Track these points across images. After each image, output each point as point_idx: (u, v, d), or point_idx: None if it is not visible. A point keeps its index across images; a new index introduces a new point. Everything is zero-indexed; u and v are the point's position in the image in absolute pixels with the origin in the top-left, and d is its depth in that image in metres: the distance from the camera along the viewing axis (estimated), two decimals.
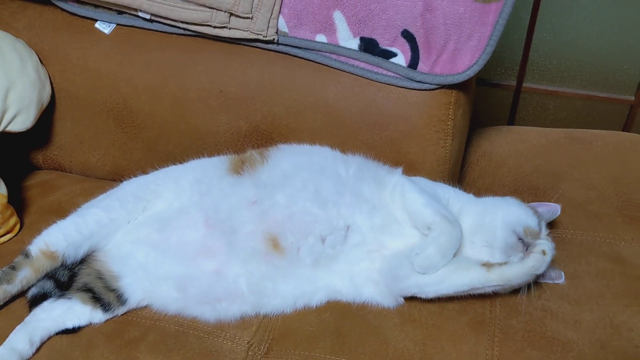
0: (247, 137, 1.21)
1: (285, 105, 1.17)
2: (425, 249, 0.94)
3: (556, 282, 1.03)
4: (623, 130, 1.73)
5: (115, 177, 1.30)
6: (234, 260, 0.99)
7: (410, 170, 1.15)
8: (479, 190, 1.24)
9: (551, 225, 1.14)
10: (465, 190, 1.26)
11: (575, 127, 1.69)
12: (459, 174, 1.33)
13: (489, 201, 1.06)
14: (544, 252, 0.93)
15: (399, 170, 1.09)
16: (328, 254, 1.00)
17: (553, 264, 1.01)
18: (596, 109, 1.73)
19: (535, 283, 1.00)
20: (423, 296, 0.99)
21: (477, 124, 1.49)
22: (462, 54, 1.08)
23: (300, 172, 1.05)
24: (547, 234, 1.01)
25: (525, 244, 0.96)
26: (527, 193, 1.23)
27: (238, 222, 1.00)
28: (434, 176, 1.16)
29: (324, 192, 1.02)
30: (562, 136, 1.37)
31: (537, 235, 0.97)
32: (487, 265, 0.94)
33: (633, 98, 1.67)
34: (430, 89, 1.11)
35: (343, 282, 1.01)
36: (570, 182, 1.24)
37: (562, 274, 1.02)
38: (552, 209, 1.08)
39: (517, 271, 0.93)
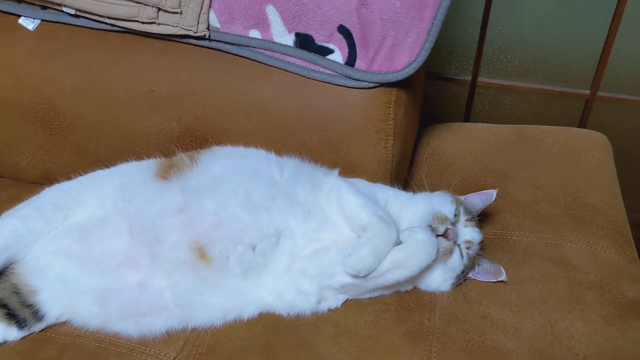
0: (180, 139, 1.15)
1: (219, 105, 1.11)
2: (359, 249, 0.90)
3: (499, 279, 0.99)
4: (579, 125, 1.71)
5: (46, 182, 1.22)
6: (158, 272, 0.94)
7: (351, 172, 1.10)
8: (425, 191, 1.19)
9: (496, 226, 1.11)
10: (413, 190, 1.23)
11: (531, 122, 1.68)
12: (408, 173, 1.29)
13: (419, 197, 1.05)
14: (437, 230, 0.94)
15: (336, 172, 1.04)
16: (259, 262, 0.95)
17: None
18: (552, 104, 1.70)
19: (480, 287, 0.96)
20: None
21: (432, 120, 1.45)
22: (400, 51, 1.03)
23: (231, 176, 0.99)
24: (469, 219, 1.00)
25: (433, 229, 0.95)
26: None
27: (163, 231, 0.94)
28: (375, 178, 1.12)
29: (255, 197, 0.97)
30: (512, 133, 1.34)
31: (446, 220, 0.96)
32: None
33: (588, 92, 1.64)
34: (369, 87, 1.06)
35: (275, 290, 0.96)
36: (517, 182, 1.20)
37: (502, 269, 0.99)
38: (486, 196, 1.06)
39: (408, 250, 0.90)
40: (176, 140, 1.15)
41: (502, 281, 0.99)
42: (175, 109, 1.13)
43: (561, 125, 1.38)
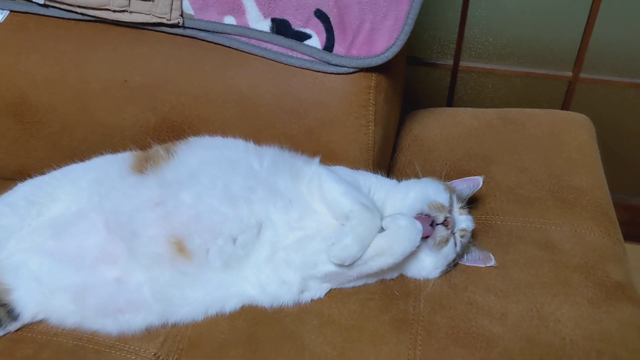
0: (156, 130, 1.12)
1: (194, 94, 1.08)
2: (343, 238, 0.88)
3: (488, 265, 0.99)
4: (562, 107, 1.70)
5: (21, 178, 1.18)
6: (136, 267, 0.91)
7: (332, 159, 1.08)
8: (409, 177, 1.17)
9: (480, 211, 1.09)
10: (396, 176, 1.21)
11: (514, 106, 1.66)
12: (391, 159, 1.27)
13: (407, 184, 1.02)
14: (429, 216, 0.93)
15: (317, 160, 1.02)
16: (240, 254, 0.93)
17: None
18: (535, 87, 1.68)
19: (465, 273, 0.96)
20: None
21: (415, 106, 1.43)
22: (379, 35, 1.01)
23: (209, 167, 0.97)
24: (462, 207, 0.99)
25: (431, 218, 0.93)
26: (457, 178, 1.18)
27: (140, 226, 0.92)
28: (357, 165, 1.10)
29: (234, 189, 0.95)
30: (494, 117, 1.33)
31: (444, 209, 0.95)
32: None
33: (571, 74, 1.63)
34: (348, 73, 1.04)
35: (258, 282, 0.94)
36: (501, 165, 1.19)
37: (491, 255, 0.98)
38: (472, 182, 1.05)
39: (391, 237, 0.89)
40: (152, 131, 1.12)
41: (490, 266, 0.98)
42: (151, 99, 1.10)
43: (544, 108, 1.37)
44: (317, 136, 1.07)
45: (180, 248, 0.90)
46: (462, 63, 1.66)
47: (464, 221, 0.97)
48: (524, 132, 1.27)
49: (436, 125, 1.32)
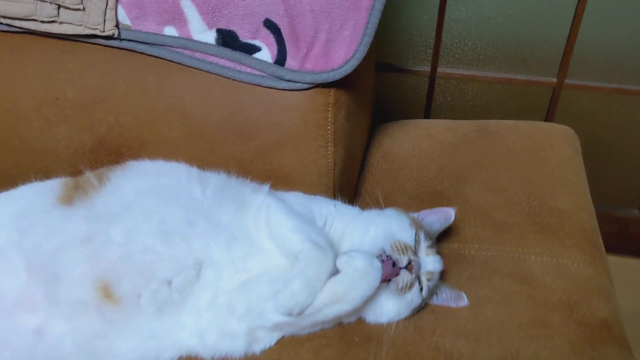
0: (93, 153, 1.01)
1: (134, 113, 0.97)
2: (290, 283, 0.77)
3: (460, 305, 0.89)
4: (547, 114, 1.60)
5: None
6: (58, 316, 0.80)
7: (287, 185, 0.98)
8: (376, 199, 1.08)
9: (453, 239, 1.00)
10: (365, 197, 1.11)
11: (496, 113, 1.58)
12: (359, 177, 1.17)
13: (368, 217, 0.91)
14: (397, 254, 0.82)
15: (266, 188, 0.91)
16: (176, 299, 0.82)
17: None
18: (517, 93, 1.58)
19: (434, 313, 0.86)
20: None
21: (389, 117, 1.34)
22: (336, 47, 0.90)
23: (144, 198, 0.86)
24: (430, 246, 0.87)
25: (394, 262, 0.82)
26: (428, 200, 1.08)
27: (63, 267, 0.81)
28: (316, 190, 0.99)
29: (170, 223, 0.84)
30: (472, 130, 1.23)
31: (408, 250, 0.84)
32: None
33: (555, 80, 1.54)
34: (303, 89, 0.93)
35: (197, 330, 0.83)
36: (476, 185, 1.09)
37: (464, 295, 0.89)
38: (443, 215, 0.94)
39: (346, 281, 0.78)
40: (89, 154, 1.01)
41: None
42: (86, 119, 0.99)
43: (528, 115, 1.30)
44: (270, 159, 0.96)
45: (107, 293, 0.79)
46: (440, 69, 1.57)
47: (430, 263, 0.86)
48: (503, 147, 1.18)
49: (407, 140, 1.23)
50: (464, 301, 0.88)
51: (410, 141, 1.22)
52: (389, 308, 0.84)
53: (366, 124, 1.20)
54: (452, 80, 1.59)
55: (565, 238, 0.99)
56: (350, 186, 1.12)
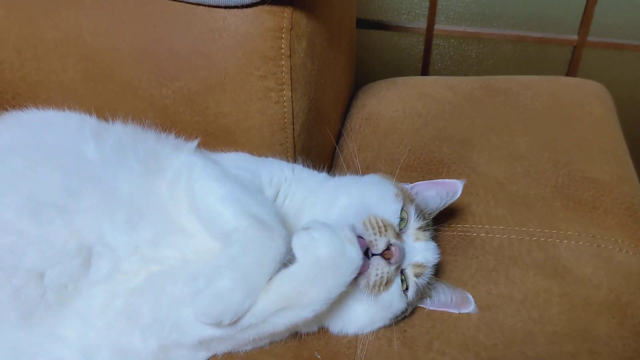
0: None
1: (17, 46, 0.74)
2: (215, 279, 0.53)
3: (464, 311, 0.65)
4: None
5: None
6: None
7: (229, 142, 0.75)
8: (356, 170, 0.85)
9: (457, 218, 0.78)
10: (342, 171, 0.88)
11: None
12: (336, 145, 0.95)
13: (338, 183, 0.68)
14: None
15: (191, 144, 0.67)
16: (50, 301, 0.57)
17: (456, 283, 0.67)
18: (530, 54, 1.41)
19: (429, 318, 0.64)
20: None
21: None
22: None
23: (9, 159, 0.62)
24: (422, 227, 0.64)
25: (365, 243, 0.58)
26: (424, 170, 0.89)
27: None
28: (268, 150, 0.76)
29: (44, 192, 0.59)
30: (476, 87, 1.05)
31: (389, 229, 0.59)
32: None
33: (576, 37, 1.34)
34: (244, 5, 0.68)
35: (82, 347, 0.58)
36: (485, 152, 0.88)
37: (470, 297, 0.65)
38: (446, 189, 0.70)
39: (304, 275, 0.54)
40: None
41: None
42: None
43: None
44: (200, 106, 0.72)
45: None
46: (438, 26, 1.40)
47: (421, 251, 0.62)
48: (518, 106, 0.98)
49: (397, 100, 1.01)
50: (470, 306, 0.65)
51: (400, 101, 1.01)
52: (359, 314, 0.60)
53: (344, 77, 0.97)
54: (452, 39, 1.41)
55: (606, 216, 0.78)
56: (321, 151, 0.88)
